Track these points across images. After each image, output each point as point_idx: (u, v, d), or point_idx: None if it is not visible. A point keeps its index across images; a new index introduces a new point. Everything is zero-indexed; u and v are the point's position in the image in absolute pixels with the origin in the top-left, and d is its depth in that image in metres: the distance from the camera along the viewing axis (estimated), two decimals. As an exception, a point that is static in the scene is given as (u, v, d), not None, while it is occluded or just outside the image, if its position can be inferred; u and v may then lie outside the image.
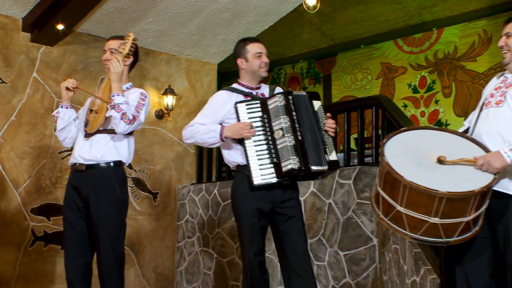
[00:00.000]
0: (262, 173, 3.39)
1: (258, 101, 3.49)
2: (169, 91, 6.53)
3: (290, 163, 3.32)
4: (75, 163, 3.58)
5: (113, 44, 3.67)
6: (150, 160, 6.46)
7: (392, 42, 7.90)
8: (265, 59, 3.61)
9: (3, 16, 5.54)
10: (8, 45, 5.57)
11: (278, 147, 3.39)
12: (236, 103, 3.48)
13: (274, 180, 3.37)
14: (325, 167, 3.38)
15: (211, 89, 7.12)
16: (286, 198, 3.47)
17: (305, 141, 3.37)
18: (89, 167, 3.56)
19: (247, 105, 3.48)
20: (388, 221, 2.84)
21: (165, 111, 6.51)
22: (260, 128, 3.45)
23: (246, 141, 3.43)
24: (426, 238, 2.75)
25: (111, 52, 3.62)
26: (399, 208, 2.74)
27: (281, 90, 3.61)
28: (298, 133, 3.38)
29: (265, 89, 3.66)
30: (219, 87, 7.30)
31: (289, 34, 7.98)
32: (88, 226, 3.61)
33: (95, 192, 3.56)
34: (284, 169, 3.35)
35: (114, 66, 3.51)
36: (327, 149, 3.42)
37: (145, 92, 3.69)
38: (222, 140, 3.49)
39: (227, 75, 8.41)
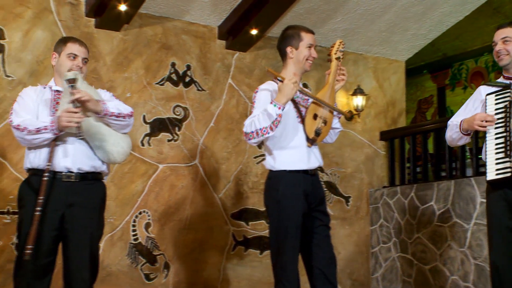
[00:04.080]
0: (498, 167, 3.11)
1: (507, 90, 3.17)
2: (358, 91, 6.34)
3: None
4: (307, 169, 3.46)
5: (315, 39, 3.57)
6: (341, 163, 6.31)
7: None
8: (497, 47, 3.28)
9: (202, 26, 5.69)
10: (206, 53, 5.72)
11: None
12: (487, 94, 3.21)
13: (508, 174, 3.07)
14: None
15: (400, 87, 6.82)
16: None
17: None
18: (317, 171, 3.53)
19: (496, 95, 3.19)
20: None
21: (355, 112, 6.31)
22: (501, 120, 3.15)
23: (487, 135, 3.19)
24: None
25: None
26: None
27: None
28: None
29: None
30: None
31: (473, 26, 7.43)
32: (309, 231, 3.51)
33: (323, 196, 3.53)
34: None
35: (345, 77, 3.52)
36: None
37: None
38: (463, 134, 3.27)
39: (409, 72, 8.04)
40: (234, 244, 5.67)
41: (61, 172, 3.15)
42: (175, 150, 5.49)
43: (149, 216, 5.30)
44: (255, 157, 5.88)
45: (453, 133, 3.36)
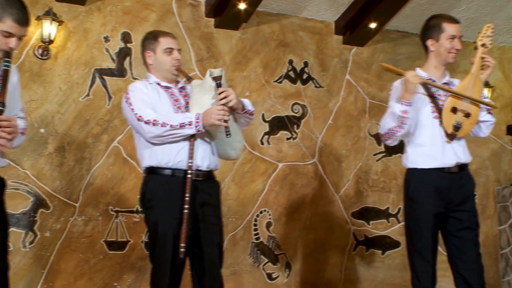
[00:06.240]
0: None
1: None
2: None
3: None
4: (441, 167, 3.25)
5: (459, 29, 3.33)
6: (465, 160, 5.98)
7: None
8: None
9: (318, 22, 5.59)
10: (323, 49, 5.60)
11: None
12: None
13: None
14: None
15: (528, 78, 6.39)
16: None
17: None
18: (461, 168, 3.27)
19: None
20: None
21: (480, 106, 5.96)
22: None
23: None
24: None
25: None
26: None
27: None
28: None
29: None
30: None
31: None
32: (449, 233, 3.32)
33: (468, 194, 3.31)
34: None
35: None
36: None
37: None
38: None
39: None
40: (355, 244, 5.52)
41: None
42: (294, 149, 5.42)
43: (269, 215, 5.26)
44: (374, 154, 5.69)
45: None
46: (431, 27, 3.32)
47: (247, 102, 3.21)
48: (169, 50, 3.18)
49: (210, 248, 3.09)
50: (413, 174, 3.33)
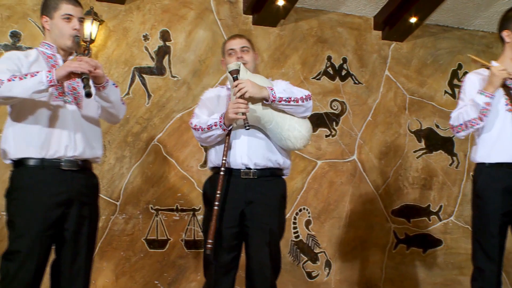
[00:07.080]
0: None
1: None
2: (527, 77, 5.83)
3: None
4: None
5: None
6: None
7: None
8: None
9: (357, 17, 5.51)
10: (362, 45, 5.52)
11: None
12: None
13: None
14: None
15: None
16: None
17: None
18: None
19: None
20: None
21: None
22: None
23: None
24: None
25: None
26: None
27: None
28: None
29: None
30: None
31: None
32: None
33: None
34: None
35: None
36: None
37: None
38: None
39: None
40: (396, 242, 5.44)
41: (239, 169, 3.11)
42: (333, 146, 5.36)
43: (309, 213, 5.22)
44: (414, 151, 5.60)
45: None
46: (508, 18, 3.25)
47: (278, 89, 3.04)
48: (231, 51, 3.27)
49: (258, 248, 3.07)
50: (481, 170, 3.25)
